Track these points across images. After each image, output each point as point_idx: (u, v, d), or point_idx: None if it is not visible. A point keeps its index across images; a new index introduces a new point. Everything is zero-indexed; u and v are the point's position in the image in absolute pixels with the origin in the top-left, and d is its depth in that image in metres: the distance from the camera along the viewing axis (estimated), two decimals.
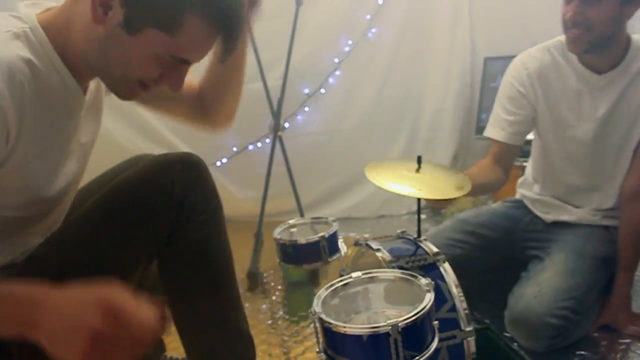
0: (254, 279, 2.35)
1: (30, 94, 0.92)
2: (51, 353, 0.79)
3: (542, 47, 1.76)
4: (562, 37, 1.69)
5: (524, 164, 2.11)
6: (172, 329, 1.22)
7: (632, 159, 1.71)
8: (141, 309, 0.81)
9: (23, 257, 1.08)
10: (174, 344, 1.39)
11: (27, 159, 0.96)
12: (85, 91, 1.09)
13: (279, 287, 2.35)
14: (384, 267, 1.16)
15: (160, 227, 1.09)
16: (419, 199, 1.32)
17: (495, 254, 1.86)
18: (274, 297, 2.26)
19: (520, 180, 2.05)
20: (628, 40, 1.65)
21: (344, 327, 0.91)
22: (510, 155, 1.84)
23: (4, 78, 0.87)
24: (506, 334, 1.64)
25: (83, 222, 1.08)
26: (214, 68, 1.25)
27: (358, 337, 0.90)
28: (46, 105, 0.98)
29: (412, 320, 0.89)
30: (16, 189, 0.99)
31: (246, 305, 2.14)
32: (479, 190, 1.70)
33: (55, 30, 0.98)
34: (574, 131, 1.74)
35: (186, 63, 1.02)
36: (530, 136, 1.92)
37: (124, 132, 3.05)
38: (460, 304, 1.16)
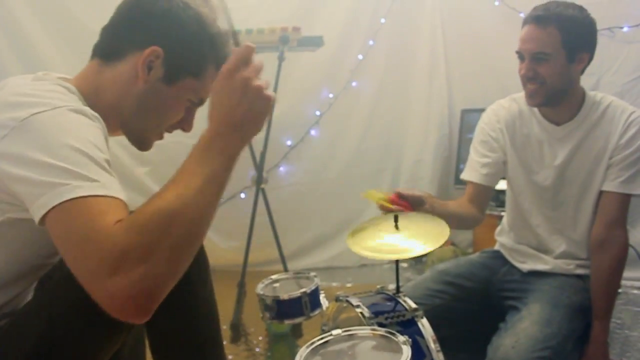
0: (237, 331, 2.36)
1: None
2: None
3: (510, 98, 1.88)
4: None
5: (502, 213, 2.16)
6: None
7: (597, 208, 1.77)
8: None
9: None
10: None
11: None
12: None
13: (262, 339, 2.36)
14: (364, 324, 1.20)
15: None
16: (397, 262, 1.37)
17: (474, 303, 1.89)
18: (257, 349, 2.27)
19: (498, 229, 2.09)
20: (583, 95, 1.77)
21: None
22: (484, 196, 1.90)
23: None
24: None
25: (71, 279, 1.11)
26: None
27: None
28: None
29: None
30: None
31: (230, 357, 2.15)
32: (456, 222, 1.75)
33: (85, 95, 1.10)
34: (536, 177, 1.83)
35: (200, 104, 1.19)
36: (505, 186, 1.99)
37: None
38: (438, 358, 1.19)
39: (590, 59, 1.72)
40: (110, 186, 0.88)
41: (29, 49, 3.06)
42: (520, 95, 1.82)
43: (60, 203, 0.83)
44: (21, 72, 1.27)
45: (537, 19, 1.64)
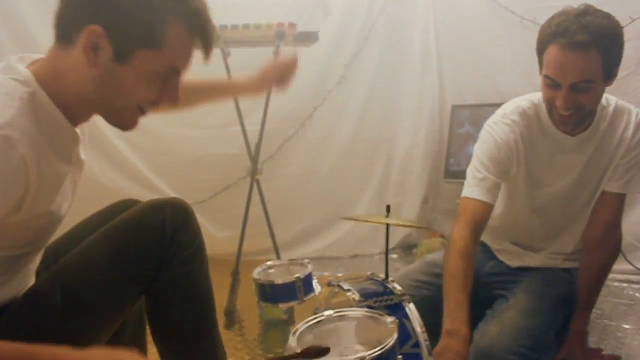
0: (232, 317, 2.41)
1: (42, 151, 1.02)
2: None
3: (517, 110, 1.75)
4: (534, 98, 1.74)
5: None
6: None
7: (594, 208, 1.79)
8: None
9: (20, 295, 1.17)
10: None
11: (37, 203, 1.04)
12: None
13: (255, 326, 2.42)
14: (354, 307, 1.27)
15: (152, 262, 1.19)
16: (387, 244, 1.44)
17: None
18: (251, 335, 2.33)
19: None
20: None
21: None
22: (488, 218, 1.74)
23: (27, 143, 0.95)
24: None
25: (82, 260, 1.17)
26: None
27: None
28: (50, 152, 1.05)
29: (378, 356, 0.98)
30: (25, 229, 1.07)
31: (223, 342, 2.21)
32: None
33: (47, 83, 1.03)
34: (547, 189, 1.80)
35: (177, 72, 1.09)
36: None
37: (108, 173, 3.14)
38: (424, 340, 1.26)
39: None
40: None
41: (23, 29, 3.03)
42: (528, 106, 1.74)
43: None
44: (13, 53, 1.16)
45: (578, 45, 1.47)
